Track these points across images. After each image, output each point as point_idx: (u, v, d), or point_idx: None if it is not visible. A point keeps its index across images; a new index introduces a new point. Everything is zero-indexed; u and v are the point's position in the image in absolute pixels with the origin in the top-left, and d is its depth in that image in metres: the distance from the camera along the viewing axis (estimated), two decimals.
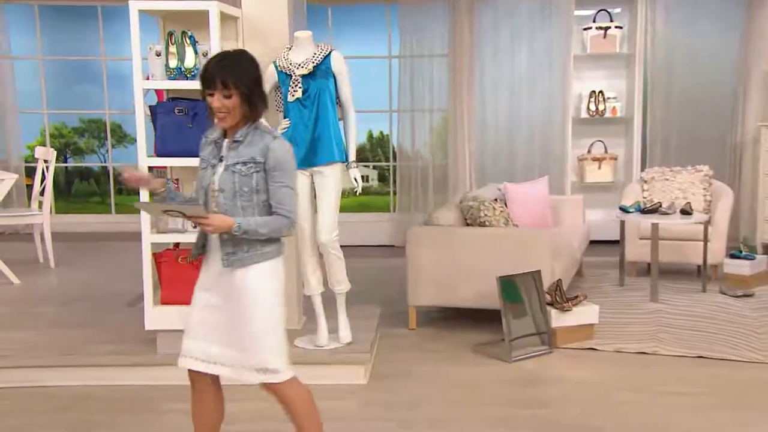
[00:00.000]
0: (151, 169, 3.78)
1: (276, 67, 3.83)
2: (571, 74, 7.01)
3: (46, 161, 6.12)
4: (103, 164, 8.59)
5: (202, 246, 2.51)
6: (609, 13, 7.08)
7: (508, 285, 4.10)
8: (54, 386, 3.74)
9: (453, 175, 7.25)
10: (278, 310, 2.48)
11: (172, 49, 3.68)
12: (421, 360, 4.10)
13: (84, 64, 8.54)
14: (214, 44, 3.60)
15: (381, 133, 9.06)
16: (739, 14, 6.96)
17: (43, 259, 6.19)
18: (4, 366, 3.78)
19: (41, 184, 6.12)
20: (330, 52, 3.80)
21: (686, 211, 5.27)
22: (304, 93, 3.76)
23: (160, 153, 3.74)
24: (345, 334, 3.95)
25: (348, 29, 7.74)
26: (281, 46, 3.91)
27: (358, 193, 3.96)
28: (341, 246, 3.89)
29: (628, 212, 5.38)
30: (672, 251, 5.57)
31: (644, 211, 5.33)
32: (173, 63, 3.68)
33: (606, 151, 7.21)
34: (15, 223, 6.21)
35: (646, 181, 5.98)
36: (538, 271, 4.22)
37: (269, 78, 3.85)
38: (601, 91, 7.14)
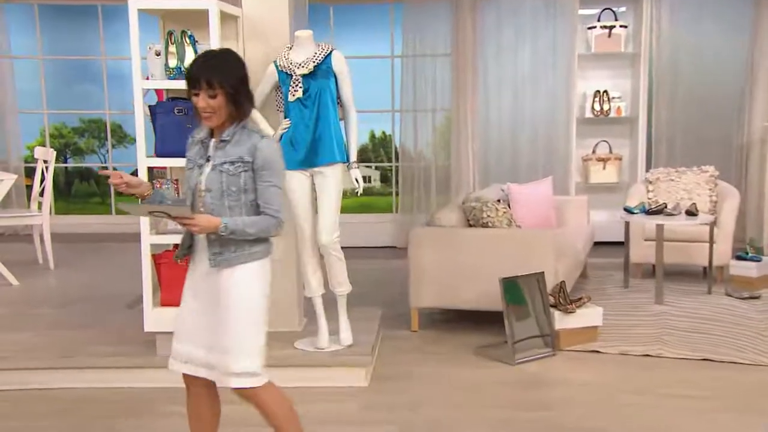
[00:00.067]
0: (151, 169, 3.76)
1: (276, 66, 3.80)
2: (575, 74, 6.97)
3: (45, 162, 6.11)
4: (104, 165, 8.58)
5: (188, 246, 2.49)
6: (614, 12, 7.04)
7: (511, 286, 4.07)
8: (53, 388, 3.72)
9: (456, 176, 7.21)
10: (262, 312, 2.44)
11: (172, 48, 3.66)
12: (423, 362, 4.08)
13: (84, 63, 8.53)
14: (214, 44, 3.58)
15: (383, 133, 9.02)
16: (746, 13, 6.91)
17: (42, 261, 6.18)
18: (3, 368, 3.77)
19: (41, 184, 6.10)
20: (331, 52, 3.78)
21: (692, 212, 5.23)
22: (304, 93, 3.73)
23: (159, 153, 3.72)
24: (346, 336, 3.93)
25: (350, 28, 7.71)
26: (282, 46, 3.89)
27: (359, 194, 3.93)
28: (342, 247, 3.87)
29: (633, 213, 5.34)
30: (677, 253, 5.53)
31: (649, 212, 5.30)
32: (173, 63, 3.66)
33: (610, 152, 7.16)
34: (14, 223, 6.20)
35: (651, 182, 5.94)
36: (542, 273, 4.18)
37: (269, 78, 3.83)
38: (605, 91, 7.09)
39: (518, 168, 7.12)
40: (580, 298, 4.32)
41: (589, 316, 4.27)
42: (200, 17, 3.64)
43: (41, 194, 6.08)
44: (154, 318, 3.72)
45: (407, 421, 3.35)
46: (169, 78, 3.67)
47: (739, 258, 5.50)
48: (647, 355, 4.09)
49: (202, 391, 2.54)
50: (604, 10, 7.04)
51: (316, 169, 3.79)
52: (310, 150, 3.75)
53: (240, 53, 3.94)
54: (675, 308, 4.94)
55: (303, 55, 3.77)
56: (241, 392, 2.44)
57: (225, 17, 3.79)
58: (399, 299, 5.00)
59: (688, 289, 5.42)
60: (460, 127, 7.15)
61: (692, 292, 5.32)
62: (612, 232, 6.58)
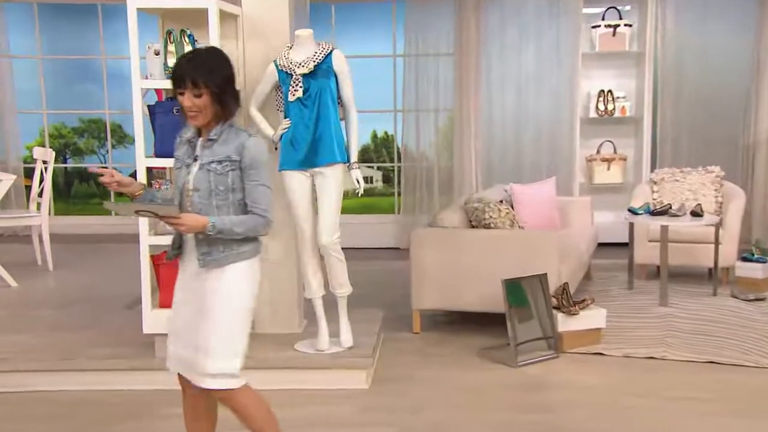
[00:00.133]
0: (150, 170, 3.74)
1: (276, 66, 3.77)
2: (579, 73, 6.93)
3: (44, 162, 6.10)
4: (104, 165, 8.55)
5: (178, 247, 2.48)
6: (618, 10, 7.00)
7: (514, 288, 4.04)
8: (51, 391, 3.70)
9: (459, 176, 7.18)
10: (247, 313, 2.43)
11: (171, 48, 3.63)
12: (425, 364, 4.05)
13: (84, 63, 8.52)
14: (214, 43, 3.55)
15: (385, 133, 9.00)
16: (751, 12, 6.86)
17: (41, 262, 6.16)
18: (1, 370, 3.75)
19: (40, 185, 6.09)
20: (331, 51, 3.75)
21: (697, 213, 5.19)
22: (304, 92, 3.71)
23: (158, 153, 3.70)
24: (346, 338, 3.90)
25: (352, 27, 7.68)
26: (282, 45, 3.86)
27: (359, 195, 3.90)
28: (344, 248, 3.84)
29: (637, 214, 5.31)
30: (682, 254, 5.49)
31: (654, 213, 5.26)
32: (172, 62, 3.63)
33: (615, 152, 7.12)
34: (13, 224, 6.19)
35: (655, 182, 5.91)
36: (545, 274, 4.15)
37: (269, 77, 3.80)
38: (610, 91, 7.05)
39: (521, 168, 7.08)
40: (584, 300, 4.28)
41: (592, 318, 4.23)
42: (199, 16, 3.61)
43: (40, 195, 6.07)
44: (153, 319, 3.70)
45: (408, 423, 3.33)
46: (168, 77, 3.63)
47: (744, 259, 5.46)
48: (651, 358, 4.06)
49: (198, 393, 2.51)
50: (608, 8, 7.00)
51: (316, 169, 3.76)
52: (310, 150, 3.72)
53: (240, 53, 3.94)
54: (680, 310, 4.90)
55: (303, 54, 3.74)
56: (215, 394, 2.42)
57: (224, 16, 3.76)
58: (401, 301, 4.97)
59: (693, 290, 5.38)
60: (463, 127, 7.11)
61: (697, 294, 5.28)
62: (616, 233, 6.54)
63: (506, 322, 3.97)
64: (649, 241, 5.54)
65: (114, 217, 7.86)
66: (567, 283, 4.25)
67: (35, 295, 5.36)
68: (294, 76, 3.71)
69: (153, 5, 3.69)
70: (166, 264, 3.71)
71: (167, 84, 3.67)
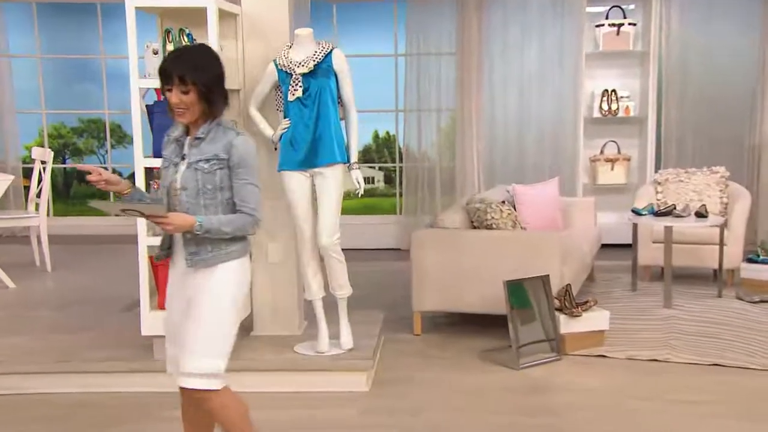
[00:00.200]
0: (149, 170, 3.71)
1: (276, 65, 3.75)
2: (582, 72, 6.88)
3: (43, 162, 6.07)
4: (103, 165, 8.53)
5: (168, 247, 2.46)
6: (622, 9, 6.95)
7: (516, 290, 4.01)
8: (49, 393, 3.68)
9: (461, 177, 7.14)
10: (233, 314, 2.41)
11: (170, 47, 3.60)
12: (426, 366, 4.02)
13: (83, 62, 8.51)
14: (213, 42, 3.52)
15: (387, 133, 8.97)
16: (756, 11, 6.81)
17: (39, 263, 6.14)
18: None
19: (38, 185, 6.06)
20: (331, 50, 3.72)
21: (701, 214, 5.15)
22: (304, 92, 3.68)
23: (157, 153, 3.66)
24: (346, 339, 3.87)
25: (353, 27, 7.65)
26: (282, 44, 3.83)
27: (360, 195, 3.87)
28: (345, 249, 3.82)
29: (641, 215, 5.27)
30: (686, 255, 5.44)
31: (658, 214, 5.22)
32: None
33: (619, 152, 7.07)
34: (11, 225, 6.16)
35: (660, 183, 5.87)
36: (547, 276, 4.12)
37: (269, 77, 3.78)
38: (614, 90, 7.00)
39: (524, 169, 7.04)
40: (586, 302, 4.24)
41: (595, 319, 4.19)
42: (198, 15, 3.59)
43: (39, 195, 6.04)
44: (152, 321, 3.67)
45: (408, 426, 3.30)
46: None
47: (750, 261, 5.42)
48: (655, 360, 4.02)
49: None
50: (612, 7, 6.95)
51: (316, 169, 3.73)
52: (309, 150, 3.70)
53: (239, 52, 3.92)
54: (684, 312, 4.86)
55: (303, 53, 3.71)
56: (194, 394, 2.39)
57: (224, 15, 3.74)
58: (402, 302, 4.94)
59: (698, 292, 5.34)
60: (465, 127, 7.07)
61: (702, 296, 5.24)
62: (620, 234, 6.50)
63: (508, 323, 3.94)
64: (653, 242, 5.50)
65: (113, 218, 7.84)
66: (570, 284, 4.21)
67: (33, 297, 5.34)
68: (294, 76, 3.69)
69: (151, 4, 3.67)
70: (164, 265, 3.68)
71: None
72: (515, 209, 5.08)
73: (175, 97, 2.29)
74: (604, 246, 5.95)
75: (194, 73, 2.27)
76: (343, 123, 3.80)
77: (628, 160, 7.04)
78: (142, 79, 3.63)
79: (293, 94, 3.69)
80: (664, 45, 6.92)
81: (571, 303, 4.16)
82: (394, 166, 7.96)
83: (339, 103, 3.78)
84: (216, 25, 3.55)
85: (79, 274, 6.04)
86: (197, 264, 2.35)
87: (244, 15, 3.92)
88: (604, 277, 5.77)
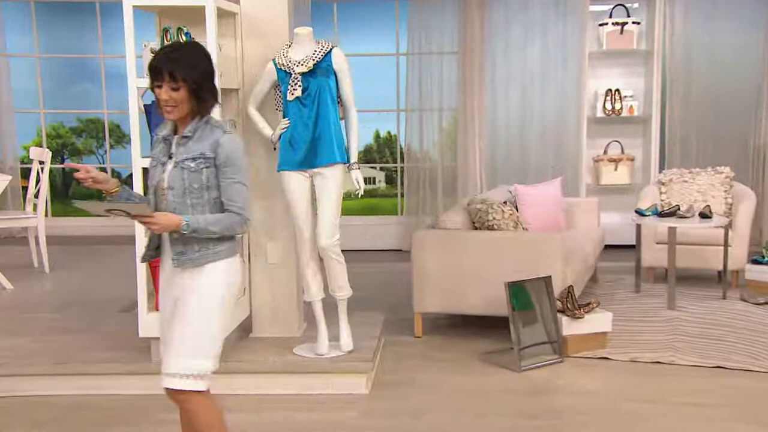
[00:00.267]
0: (148, 170, 3.68)
1: (275, 64, 3.72)
2: (586, 71, 6.84)
3: (41, 162, 6.04)
4: (102, 165, 8.50)
5: (156, 247, 2.44)
6: (626, 8, 6.91)
7: (518, 291, 3.97)
8: (46, 395, 3.65)
9: (463, 177, 7.10)
10: (219, 315, 2.38)
11: None
12: (426, 368, 3.98)
13: (82, 62, 8.48)
14: (211, 41, 3.49)
15: (388, 133, 8.93)
16: (761, 9, 6.77)
17: (37, 264, 6.11)
18: None
19: (36, 185, 6.03)
20: (331, 49, 3.68)
21: (706, 215, 5.10)
22: (303, 91, 3.65)
23: None
24: (346, 341, 3.83)
25: (354, 26, 7.62)
26: (281, 44, 3.80)
27: (360, 196, 3.84)
28: (346, 250, 3.80)
29: (645, 215, 5.23)
30: (691, 256, 5.41)
31: (661, 215, 5.18)
32: None
33: (623, 152, 7.02)
34: (9, 226, 6.12)
35: (664, 183, 5.82)
36: (549, 277, 4.08)
37: (268, 76, 3.75)
38: (617, 90, 6.96)
39: (527, 169, 7.00)
40: (589, 303, 4.20)
41: (598, 321, 4.16)
42: (197, 14, 3.56)
43: (36, 196, 6.01)
44: (149, 323, 3.64)
45: (409, 429, 3.28)
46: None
47: (755, 262, 5.38)
48: (658, 363, 3.99)
49: None
50: (616, 6, 6.91)
51: (315, 169, 3.70)
52: (309, 150, 3.66)
53: (238, 51, 3.88)
54: (688, 314, 4.81)
55: (302, 52, 3.68)
56: (175, 395, 2.36)
57: (222, 14, 3.71)
58: (403, 304, 4.92)
59: (702, 294, 5.30)
60: (467, 127, 7.03)
61: (706, 297, 5.19)
62: (623, 235, 6.46)
63: (509, 325, 3.91)
64: (657, 243, 5.46)
65: (111, 218, 7.78)
66: (572, 285, 4.17)
67: (31, 298, 5.32)
68: (293, 75, 3.65)
69: (150, 3, 3.63)
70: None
71: None
72: (517, 210, 5.04)
73: (164, 93, 2.27)
74: (607, 247, 5.92)
75: (185, 70, 2.25)
76: (342, 123, 3.77)
77: (632, 160, 7.00)
78: (139, 79, 3.59)
79: (292, 94, 3.66)
80: (668, 44, 6.88)
81: (574, 305, 4.12)
82: (396, 167, 7.93)
83: (339, 102, 3.75)
84: (214, 24, 3.51)
85: (77, 275, 6.02)
86: (184, 264, 2.34)
87: (243, 14, 3.89)
88: (607, 278, 5.73)
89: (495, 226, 4.47)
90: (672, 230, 4.94)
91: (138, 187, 3.52)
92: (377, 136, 9.29)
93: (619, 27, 6.85)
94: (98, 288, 5.49)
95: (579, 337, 4.09)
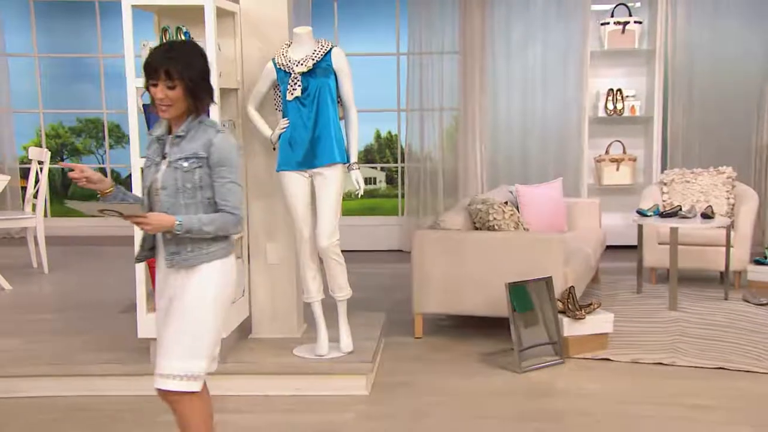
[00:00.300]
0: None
1: (275, 64, 3.70)
2: (587, 71, 6.83)
3: (40, 162, 6.03)
4: (101, 165, 8.50)
5: (150, 248, 2.44)
6: (628, 7, 6.89)
7: (518, 292, 3.96)
8: (44, 396, 3.64)
9: (464, 177, 7.08)
10: (213, 315, 2.36)
11: None
12: (426, 370, 3.97)
13: (81, 61, 8.49)
14: (210, 41, 3.47)
15: (389, 133, 8.92)
16: (763, 8, 6.74)
17: (36, 264, 6.10)
18: None
19: (35, 186, 6.02)
20: (331, 49, 3.67)
21: (708, 215, 5.09)
22: (303, 91, 3.63)
23: None
24: (346, 342, 3.82)
25: (354, 25, 7.61)
26: (280, 43, 3.78)
27: (359, 196, 3.82)
28: (346, 251, 3.79)
29: (647, 216, 5.21)
30: (692, 257, 5.39)
31: (663, 215, 5.17)
32: None
33: (624, 152, 7.00)
34: (8, 226, 6.11)
35: (665, 184, 5.81)
36: (550, 278, 4.06)
37: (268, 76, 3.74)
38: (619, 89, 6.94)
39: (528, 169, 6.99)
40: (590, 304, 4.18)
41: (599, 322, 4.14)
42: (196, 13, 3.54)
43: (35, 196, 6.00)
44: (148, 324, 3.62)
45: (409, 430, 3.26)
46: None
47: (757, 263, 5.38)
48: (660, 364, 3.97)
49: None
50: (617, 5, 6.89)
51: (315, 170, 3.68)
52: (308, 150, 3.65)
53: (237, 51, 3.87)
54: (690, 315, 4.80)
55: (302, 52, 3.66)
56: (166, 396, 2.35)
57: (222, 13, 3.70)
58: (403, 305, 4.90)
59: (704, 294, 5.28)
60: (468, 127, 7.02)
61: (708, 298, 5.18)
62: (625, 235, 6.46)
63: (510, 326, 3.89)
64: (659, 243, 5.45)
65: (111, 219, 7.76)
66: (573, 286, 4.16)
67: (30, 299, 5.31)
68: (292, 75, 3.64)
69: (149, 2, 3.61)
70: None
71: None
72: (518, 210, 5.03)
73: (160, 92, 2.26)
74: (608, 247, 5.91)
75: (181, 69, 2.25)
76: (342, 123, 3.76)
77: (634, 160, 6.98)
78: (139, 79, 3.57)
79: (292, 94, 3.64)
80: (670, 43, 6.86)
81: (575, 305, 4.10)
82: (396, 167, 7.91)
83: (338, 102, 3.73)
84: (214, 24, 3.50)
85: (76, 275, 6.02)
86: (177, 264, 2.33)
87: (243, 13, 3.88)
88: (608, 279, 5.71)
89: (496, 227, 4.45)
90: (674, 231, 4.92)
91: (136, 187, 3.50)
92: (378, 136, 9.28)
93: (620, 26, 6.83)
94: (97, 288, 5.49)
95: (580, 338, 4.07)
